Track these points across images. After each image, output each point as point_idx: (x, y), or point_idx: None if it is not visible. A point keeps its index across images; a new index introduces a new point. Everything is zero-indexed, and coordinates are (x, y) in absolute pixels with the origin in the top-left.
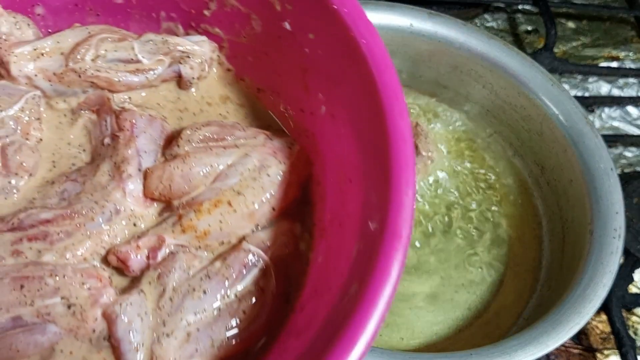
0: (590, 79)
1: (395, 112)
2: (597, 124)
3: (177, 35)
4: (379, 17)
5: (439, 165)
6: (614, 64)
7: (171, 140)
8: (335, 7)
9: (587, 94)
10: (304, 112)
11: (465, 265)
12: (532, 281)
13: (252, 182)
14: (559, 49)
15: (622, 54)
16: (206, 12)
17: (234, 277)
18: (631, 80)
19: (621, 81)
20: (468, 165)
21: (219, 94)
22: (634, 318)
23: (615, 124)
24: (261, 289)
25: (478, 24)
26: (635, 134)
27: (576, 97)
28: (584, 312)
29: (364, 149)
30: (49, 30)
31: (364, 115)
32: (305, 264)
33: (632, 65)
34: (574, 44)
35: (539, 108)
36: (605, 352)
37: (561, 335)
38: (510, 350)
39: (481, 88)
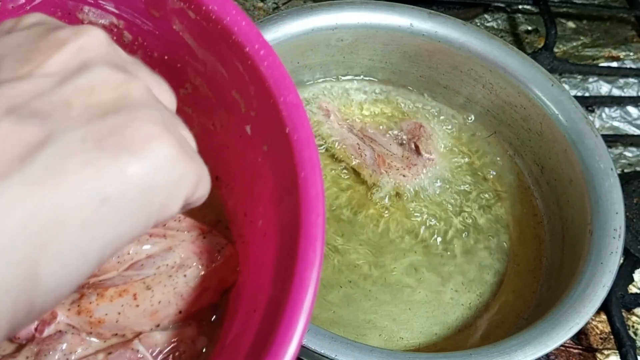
0: (590, 79)
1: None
2: (597, 124)
3: None
4: (379, 17)
5: (438, 166)
6: (614, 64)
7: None
8: (287, 130)
9: (587, 94)
10: (246, 217)
11: (465, 265)
12: (532, 281)
13: (166, 279)
14: (559, 49)
15: (622, 54)
16: (183, 91)
17: None
18: (631, 80)
19: (621, 81)
20: (467, 165)
21: None
22: (634, 318)
23: (616, 124)
24: None
25: (478, 24)
26: (635, 134)
27: (576, 97)
28: (583, 312)
29: (274, 285)
30: None
31: (285, 249)
32: None
33: (633, 65)
34: (574, 43)
35: (539, 108)
36: (605, 352)
37: (561, 335)
38: (509, 350)
39: (481, 88)
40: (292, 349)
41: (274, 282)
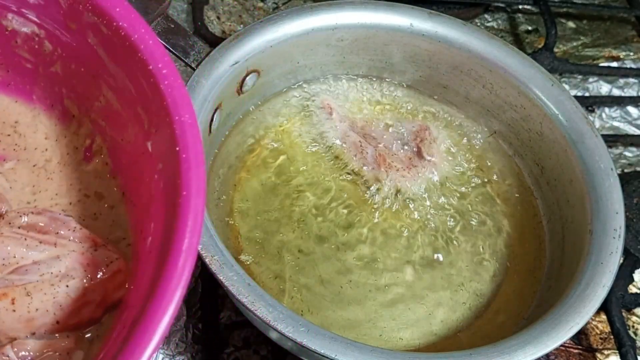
0: (591, 79)
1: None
2: (597, 123)
3: (74, 115)
4: (379, 17)
5: (439, 167)
6: (614, 64)
7: (1, 216)
8: (177, 149)
9: (587, 94)
10: (141, 234)
11: (465, 265)
12: (532, 281)
13: (47, 287)
14: (559, 49)
15: (622, 54)
16: (97, 104)
17: None
18: (631, 80)
19: (621, 81)
20: (467, 165)
21: (94, 189)
22: (634, 318)
23: (616, 123)
24: None
25: (478, 24)
26: (635, 133)
27: (576, 97)
28: (583, 312)
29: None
30: None
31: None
32: None
33: (633, 65)
34: (574, 43)
35: (539, 108)
36: (605, 352)
37: (561, 335)
38: (509, 350)
39: (481, 88)
40: None
41: (142, 301)
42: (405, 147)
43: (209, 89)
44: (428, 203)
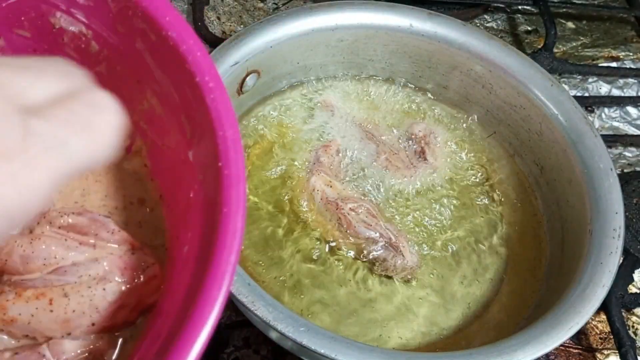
0: (590, 79)
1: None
2: (597, 124)
3: None
4: (379, 18)
5: (439, 167)
6: (614, 64)
7: (43, 215)
8: (220, 164)
9: (586, 94)
10: (177, 240)
11: (465, 265)
12: (532, 281)
13: (85, 289)
14: (558, 49)
15: (621, 54)
16: (140, 107)
17: None
18: (631, 80)
19: (621, 81)
20: (467, 165)
21: (137, 195)
22: (633, 318)
23: (615, 124)
24: None
25: (478, 24)
26: (635, 134)
27: (576, 97)
28: (583, 312)
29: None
30: None
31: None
32: None
33: (632, 65)
34: (574, 44)
35: (539, 108)
36: (605, 352)
37: (560, 335)
38: (509, 350)
39: (481, 88)
40: None
41: (181, 309)
42: (406, 147)
43: None
44: (427, 203)
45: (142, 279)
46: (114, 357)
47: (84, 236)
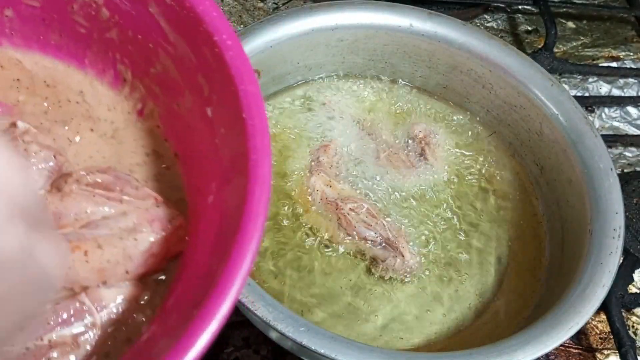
0: (590, 79)
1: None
2: (597, 124)
3: (126, 80)
4: (379, 17)
5: (439, 167)
6: (614, 64)
7: (69, 174)
8: (244, 116)
9: (587, 94)
10: (199, 192)
11: (465, 265)
12: (532, 281)
13: (117, 240)
14: (558, 49)
15: (622, 54)
16: (152, 70)
17: (57, 323)
18: (631, 80)
19: (621, 81)
20: (467, 165)
21: (151, 148)
22: (633, 318)
23: (615, 124)
24: (77, 344)
25: (478, 24)
26: (635, 133)
27: (576, 97)
28: (583, 312)
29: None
30: (12, 33)
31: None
32: (135, 334)
33: (632, 65)
34: (574, 43)
35: (539, 108)
36: (605, 352)
37: (560, 335)
38: (509, 350)
39: (481, 88)
40: (224, 308)
41: (214, 252)
42: (406, 147)
43: None
44: (426, 203)
45: (170, 229)
46: (147, 298)
47: (110, 192)
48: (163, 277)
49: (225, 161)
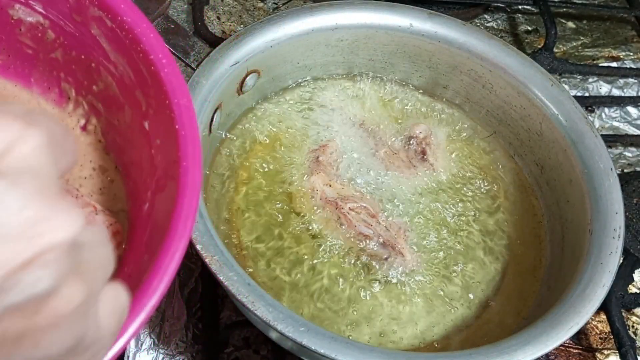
0: (590, 79)
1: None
2: (597, 124)
3: (70, 97)
4: (379, 17)
5: (439, 167)
6: (614, 64)
7: None
8: (176, 127)
9: (587, 94)
10: (136, 201)
11: (465, 265)
12: (532, 281)
13: None
14: (558, 49)
15: (622, 54)
16: (95, 88)
17: None
18: (631, 80)
19: (621, 81)
20: (467, 165)
21: (97, 163)
22: (633, 318)
23: (615, 124)
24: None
25: (478, 24)
26: (635, 134)
27: (576, 97)
28: (583, 312)
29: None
30: None
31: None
32: None
33: (632, 65)
34: (574, 43)
35: (539, 108)
36: (605, 352)
37: (560, 335)
38: (509, 350)
39: (481, 88)
40: (147, 307)
41: (146, 253)
42: (406, 147)
43: (209, 89)
44: (426, 203)
45: (105, 234)
46: None
47: None
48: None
49: (160, 170)
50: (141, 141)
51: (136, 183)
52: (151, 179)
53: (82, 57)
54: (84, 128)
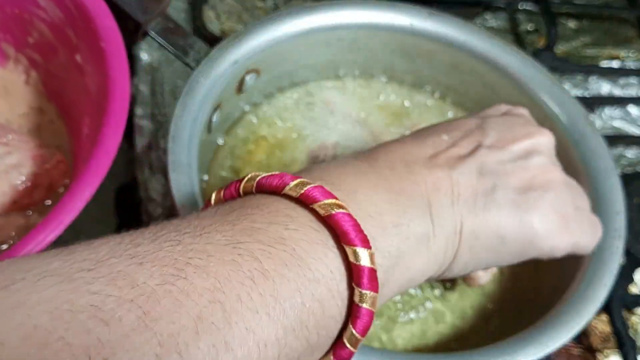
0: (591, 79)
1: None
2: (598, 123)
3: (9, 56)
4: (378, 17)
5: None
6: (615, 64)
7: None
8: (102, 45)
9: (587, 94)
10: (78, 131)
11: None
12: (532, 281)
13: (4, 175)
14: (559, 49)
15: (623, 54)
16: (30, 40)
17: None
18: (632, 80)
19: (622, 81)
20: None
21: (38, 105)
22: (634, 318)
23: (616, 124)
24: None
25: (478, 24)
26: (636, 134)
27: (577, 97)
28: (584, 313)
29: None
30: None
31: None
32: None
33: (633, 65)
34: (575, 43)
35: (540, 108)
36: (606, 352)
37: (561, 335)
38: (510, 350)
39: (482, 87)
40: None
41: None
42: None
43: (209, 89)
44: None
45: (51, 163)
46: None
47: None
48: (49, 202)
49: (93, 95)
50: (75, 76)
51: (75, 115)
52: (88, 105)
53: (16, 11)
54: (26, 82)
